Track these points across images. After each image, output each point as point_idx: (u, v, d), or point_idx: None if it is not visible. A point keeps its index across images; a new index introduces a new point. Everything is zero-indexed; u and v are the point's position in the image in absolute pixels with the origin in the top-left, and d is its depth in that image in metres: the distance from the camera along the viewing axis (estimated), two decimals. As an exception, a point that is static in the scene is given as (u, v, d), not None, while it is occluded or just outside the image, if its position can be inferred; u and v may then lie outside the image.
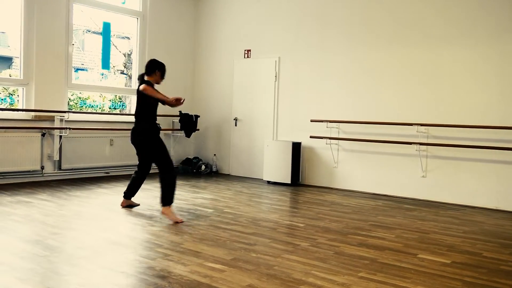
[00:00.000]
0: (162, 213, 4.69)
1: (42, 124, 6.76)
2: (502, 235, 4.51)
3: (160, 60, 4.96)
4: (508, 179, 5.75)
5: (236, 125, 8.38)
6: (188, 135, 8.32)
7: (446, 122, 6.13)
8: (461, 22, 6.06)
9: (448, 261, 3.59)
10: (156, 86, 4.93)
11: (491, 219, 5.29)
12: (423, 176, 6.37)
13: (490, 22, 5.86)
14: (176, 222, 4.55)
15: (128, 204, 5.23)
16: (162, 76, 4.96)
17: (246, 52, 8.25)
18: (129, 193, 5.20)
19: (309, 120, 7.33)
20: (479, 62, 5.95)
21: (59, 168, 6.96)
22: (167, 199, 4.67)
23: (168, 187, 4.68)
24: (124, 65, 8.60)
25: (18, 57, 6.75)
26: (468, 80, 6.03)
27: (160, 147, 4.82)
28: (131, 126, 5.00)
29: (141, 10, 8.15)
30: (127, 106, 8.41)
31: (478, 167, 5.95)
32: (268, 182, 7.55)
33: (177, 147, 8.67)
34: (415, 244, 4.07)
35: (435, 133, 6.26)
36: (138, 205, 5.27)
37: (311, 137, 7.25)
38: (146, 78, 4.89)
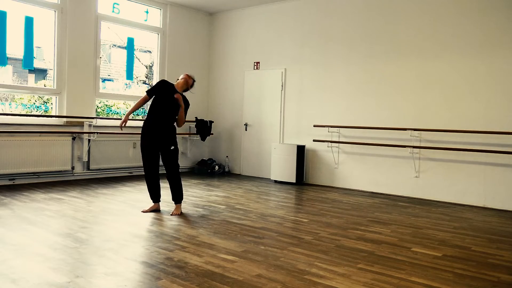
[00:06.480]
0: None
1: (73, 129, 6.81)
2: (489, 231, 4.45)
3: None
4: (494, 179, 5.68)
5: (246, 130, 8.37)
6: (203, 138, 8.33)
7: (437, 127, 6.08)
8: (452, 34, 6.01)
9: (440, 254, 3.54)
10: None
11: (479, 216, 5.22)
12: (416, 176, 6.31)
13: (479, 35, 5.80)
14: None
15: (155, 208, 4.87)
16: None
17: (255, 64, 8.25)
18: (158, 196, 4.87)
19: (312, 125, 7.30)
20: (468, 73, 5.89)
21: (88, 168, 7.01)
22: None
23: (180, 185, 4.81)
24: (146, 76, 8.64)
25: (52, 69, 6.82)
26: (457, 89, 5.97)
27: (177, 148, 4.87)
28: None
29: (161, 27, 8.19)
30: (149, 112, 8.42)
31: (467, 168, 5.89)
32: (275, 181, 7.53)
33: (193, 150, 8.68)
34: (409, 238, 4.03)
35: (427, 137, 6.20)
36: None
37: (314, 140, 7.22)
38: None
